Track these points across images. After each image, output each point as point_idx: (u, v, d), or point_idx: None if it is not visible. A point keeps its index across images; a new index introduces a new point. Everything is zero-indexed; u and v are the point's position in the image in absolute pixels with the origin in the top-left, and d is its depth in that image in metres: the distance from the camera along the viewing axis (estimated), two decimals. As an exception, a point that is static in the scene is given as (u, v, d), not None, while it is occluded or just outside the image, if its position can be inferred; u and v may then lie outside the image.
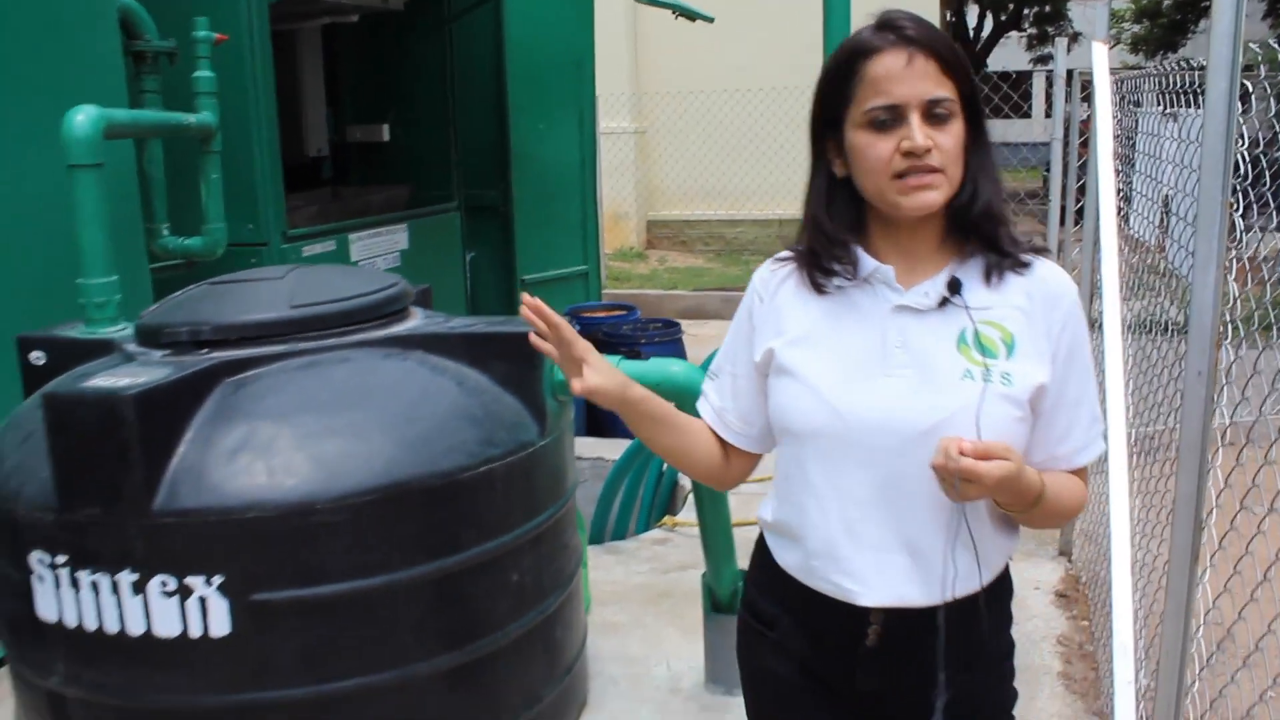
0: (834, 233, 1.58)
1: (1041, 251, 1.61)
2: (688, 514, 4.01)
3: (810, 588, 1.62)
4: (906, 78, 1.48)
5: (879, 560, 1.57)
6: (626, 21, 13.67)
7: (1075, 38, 17.77)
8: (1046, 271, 1.57)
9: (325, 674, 2.12)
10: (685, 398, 2.32)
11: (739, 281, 12.29)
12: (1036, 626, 3.89)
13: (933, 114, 1.48)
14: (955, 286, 1.54)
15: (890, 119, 1.48)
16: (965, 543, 1.55)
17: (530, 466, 2.33)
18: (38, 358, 2.69)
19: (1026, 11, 22.78)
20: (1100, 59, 3.83)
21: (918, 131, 1.46)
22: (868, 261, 1.57)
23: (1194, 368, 2.05)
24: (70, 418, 2.01)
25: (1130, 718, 2.95)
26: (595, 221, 7.75)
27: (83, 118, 2.79)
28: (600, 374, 1.58)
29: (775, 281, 1.66)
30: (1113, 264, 3.50)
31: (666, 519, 3.97)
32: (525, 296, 1.58)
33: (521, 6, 6.83)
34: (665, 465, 4.32)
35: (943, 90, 1.48)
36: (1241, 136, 2.02)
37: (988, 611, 1.60)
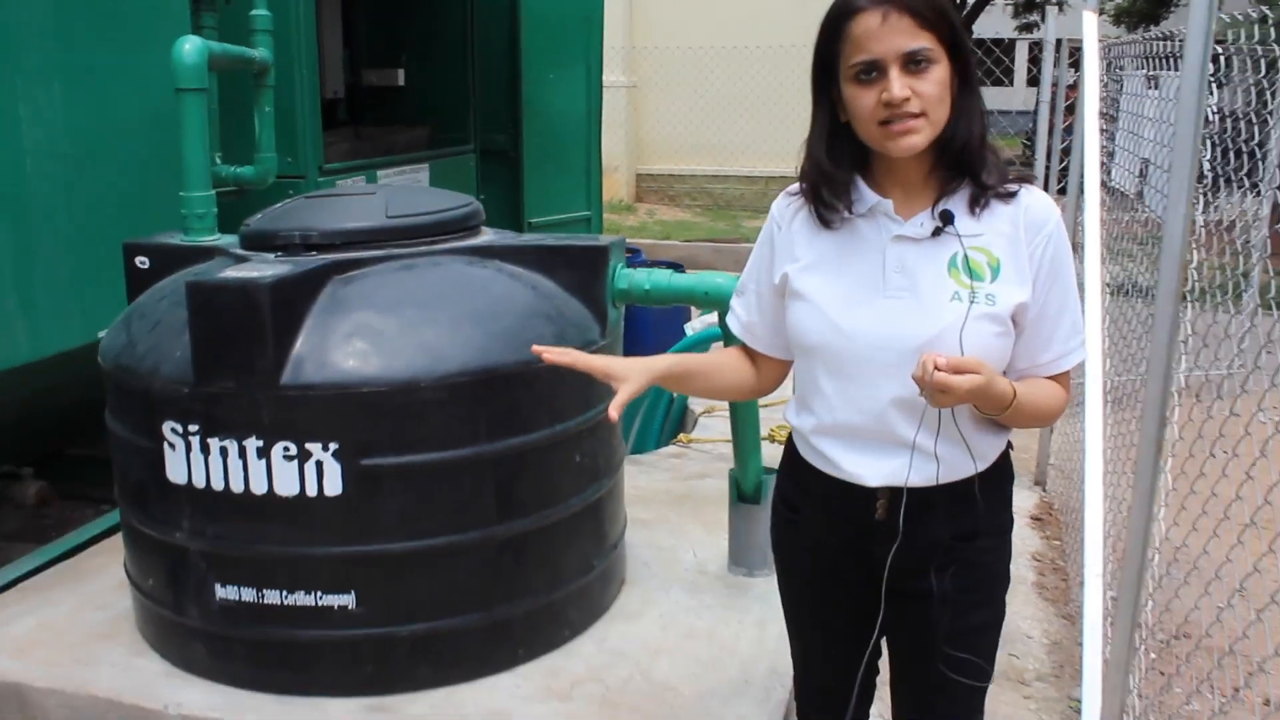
0: (833, 171, 1.75)
1: (1027, 180, 1.77)
2: (698, 435, 4.37)
3: (827, 475, 1.85)
4: (883, 35, 1.63)
5: (879, 452, 1.79)
6: (625, -24, 13.88)
7: (1062, 6, 18.01)
8: (1030, 199, 1.75)
9: (419, 531, 2.46)
10: (727, 304, 2.66)
11: (727, 234, 12.61)
12: (1013, 545, 4.27)
13: (912, 64, 1.64)
14: (947, 218, 1.72)
15: (872, 73, 1.65)
16: (953, 438, 1.77)
17: (592, 363, 2.67)
18: (142, 262, 3.00)
19: (1011, -23, 22.97)
20: (1090, 27, 4.17)
21: (895, 83, 1.63)
22: (869, 196, 1.75)
23: (1164, 295, 2.40)
24: (212, 302, 2.34)
25: (1097, 602, 3.36)
26: (599, 170, 8.03)
27: (189, 47, 3.09)
28: (628, 380, 1.84)
29: (790, 212, 1.86)
30: (1095, 228, 3.86)
31: (681, 436, 4.33)
32: (535, 348, 1.86)
33: (536, -46, 7.07)
34: (676, 393, 4.68)
35: (919, 42, 1.63)
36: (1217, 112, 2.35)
37: (982, 493, 1.81)
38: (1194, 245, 3.70)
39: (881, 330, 1.74)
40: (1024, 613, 3.93)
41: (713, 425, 4.46)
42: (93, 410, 4.41)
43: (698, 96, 14.43)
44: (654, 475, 3.90)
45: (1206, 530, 3.05)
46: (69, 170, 3.62)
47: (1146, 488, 2.55)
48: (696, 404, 4.69)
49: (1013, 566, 4.16)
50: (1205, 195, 3.26)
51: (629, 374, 1.85)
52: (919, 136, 1.66)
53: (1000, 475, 1.89)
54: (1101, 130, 3.90)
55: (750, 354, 1.99)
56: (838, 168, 1.76)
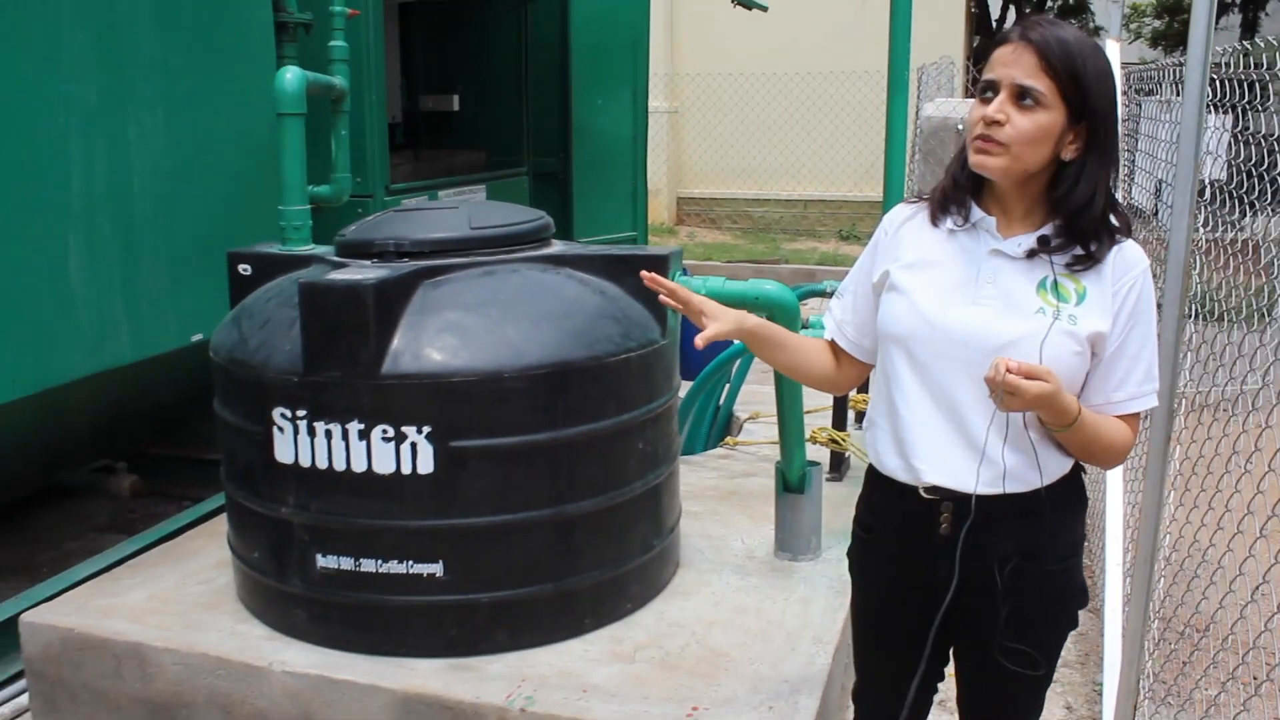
0: (962, 182, 1.93)
1: (1124, 234, 1.89)
2: (743, 439, 4.64)
3: (898, 485, 1.98)
4: (1009, 62, 1.80)
5: (945, 446, 1.91)
6: (664, 4, 14.22)
7: (1097, 31, 18.17)
8: (1126, 247, 1.88)
9: (501, 506, 2.75)
10: (776, 309, 2.94)
11: (766, 256, 12.89)
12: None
13: (1021, 97, 1.79)
14: (1045, 243, 1.85)
15: (988, 91, 1.82)
16: (1021, 447, 1.87)
17: (654, 360, 2.96)
18: (244, 269, 3.32)
19: (1050, 4, 23.18)
20: (1113, 54, 4.44)
21: (995, 104, 1.80)
22: (976, 211, 1.92)
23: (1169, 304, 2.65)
24: (322, 301, 2.64)
25: (1117, 590, 3.60)
26: (644, 191, 8.34)
27: (290, 76, 3.43)
28: (719, 320, 1.98)
29: (902, 218, 2.04)
30: None
31: (728, 440, 4.60)
32: (644, 274, 2.04)
33: (586, -11, 7.41)
34: (723, 398, 4.95)
35: (1033, 81, 1.77)
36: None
37: (1050, 507, 1.91)
38: (1219, 267, 3.96)
39: (966, 329, 1.88)
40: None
41: (756, 430, 4.74)
42: (177, 412, 4.78)
43: (737, 122, 14.77)
44: (703, 474, 4.17)
45: (1217, 530, 3.30)
46: (169, 187, 3.97)
47: (1156, 483, 2.79)
48: (741, 410, 4.97)
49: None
50: (1229, 216, 3.52)
51: (720, 315, 2.00)
52: (994, 160, 1.82)
53: (1069, 493, 1.96)
54: (1125, 152, 4.16)
55: (835, 350, 2.17)
56: (965, 181, 1.93)
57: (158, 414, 4.72)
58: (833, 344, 2.18)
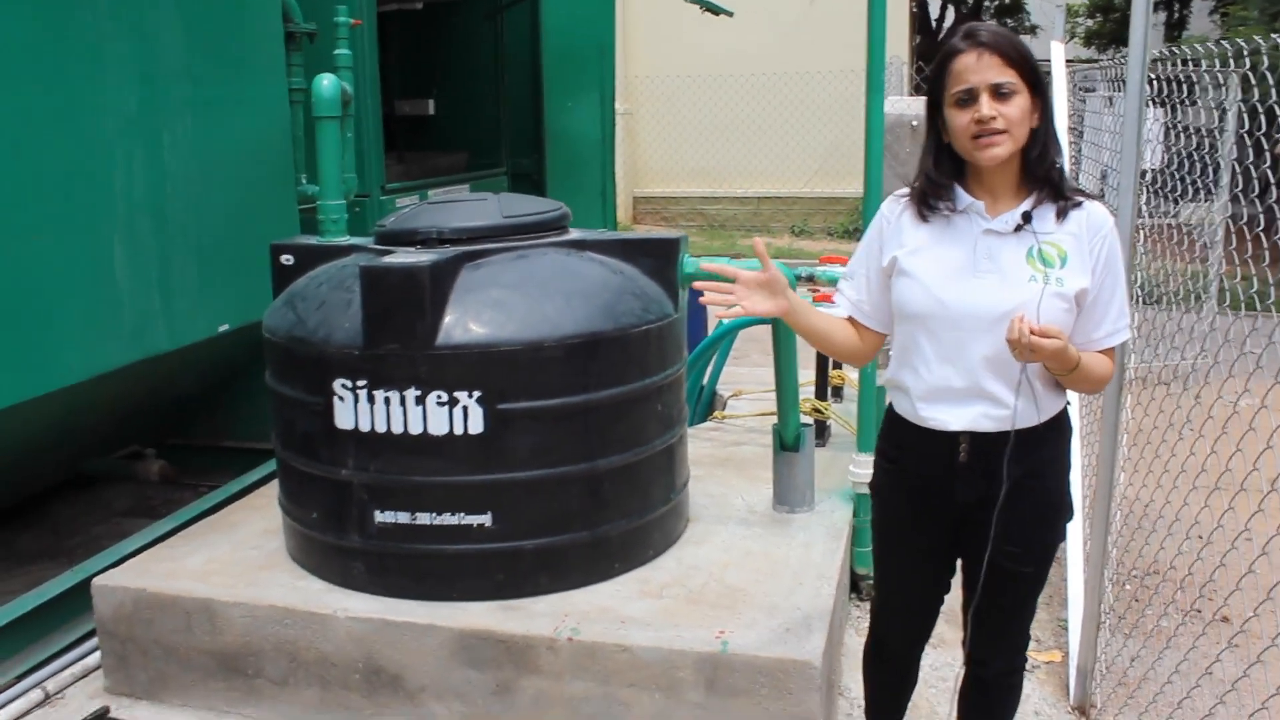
0: (938, 180, 2.27)
1: (1091, 196, 2.26)
2: (730, 413, 5.02)
3: (919, 426, 2.34)
4: (977, 69, 2.14)
5: (964, 402, 2.27)
6: (616, 8, 14.57)
7: (1034, 30, 18.75)
8: (1093, 208, 2.23)
9: (543, 462, 3.10)
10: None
11: (723, 252, 13.29)
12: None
13: (998, 94, 2.13)
14: (1027, 218, 2.20)
15: (967, 98, 2.15)
16: (1025, 392, 2.24)
17: (668, 331, 3.32)
18: (287, 259, 3.63)
19: (987, 4, 23.79)
20: (1058, 55, 4.87)
21: (985, 106, 2.13)
22: (964, 197, 2.25)
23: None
24: (382, 282, 2.98)
25: (1078, 537, 4.01)
26: (613, 190, 8.71)
27: (327, 82, 3.74)
28: (780, 297, 2.31)
29: (898, 210, 2.37)
30: None
31: (716, 414, 4.98)
32: (701, 297, 2.32)
33: (556, -5, 7.75)
34: (706, 379, 5.33)
35: (1005, 76, 2.12)
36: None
37: (1048, 438, 2.32)
38: (1162, 252, 4.39)
39: (972, 301, 2.22)
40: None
41: (740, 406, 5.12)
42: (197, 402, 5.05)
43: (689, 122, 15.17)
44: (697, 445, 4.53)
45: (1169, 489, 3.73)
46: (196, 187, 4.27)
47: (1110, 428, 3.20)
48: (724, 388, 5.35)
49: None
50: (1172, 200, 3.95)
51: (782, 290, 2.33)
52: (1001, 149, 2.15)
53: (1061, 426, 2.37)
54: (1071, 143, 4.59)
55: (855, 325, 2.49)
56: (941, 176, 2.28)
57: (181, 404, 5.00)
58: (851, 319, 2.49)
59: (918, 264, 2.31)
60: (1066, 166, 4.75)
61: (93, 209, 3.78)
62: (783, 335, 3.54)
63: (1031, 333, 2.06)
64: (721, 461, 4.32)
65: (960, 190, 2.28)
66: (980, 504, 2.32)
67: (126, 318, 3.97)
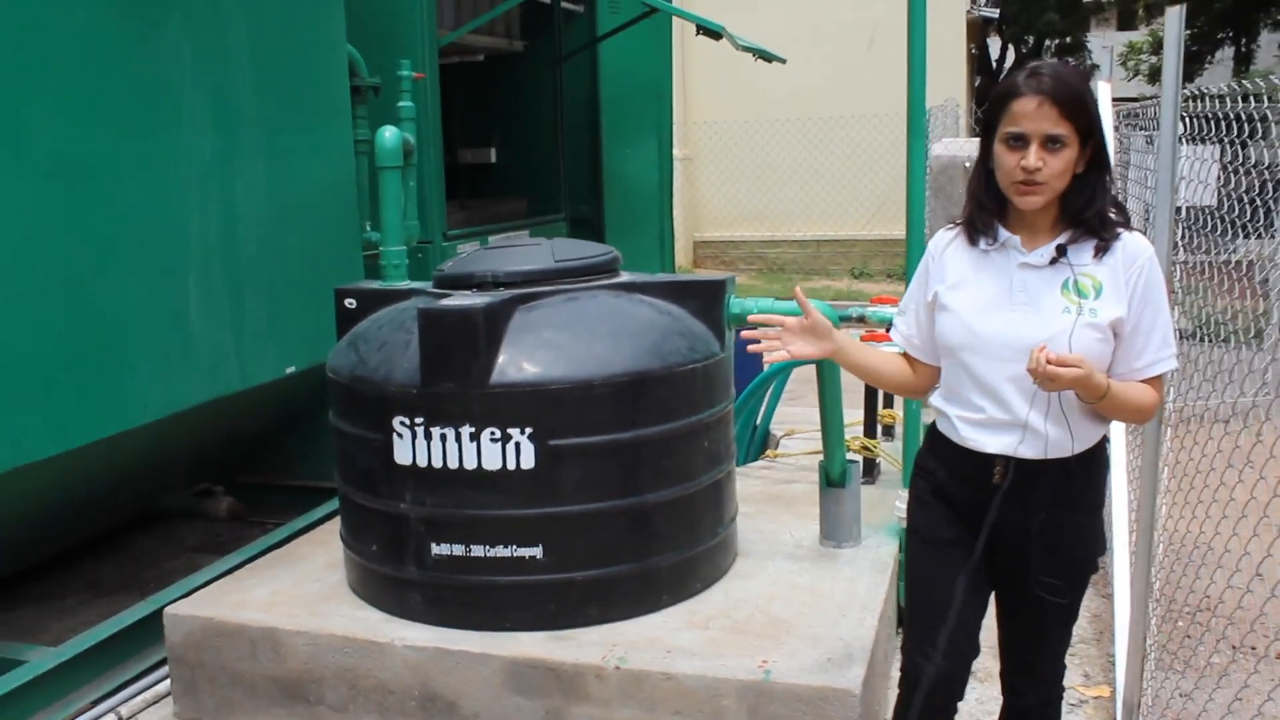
0: (985, 203, 2.35)
1: (1130, 226, 2.30)
2: (782, 451, 5.09)
3: (960, 446, 2.40)
4: (1034, 117, 2.18)
5: (1001, 429, 2.33)
6: (676, 56, 14.82)
7: (1094, 69, 18.71)
8: (1130, 239, 2.27)
9: (593, 496, 3.21)
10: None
11: (783, 294, 13.38)
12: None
13: (1048, 145, 2.18)
14: (1062, 251, 2.26)
15: (1018, 143, 2.21)
16: (1058, 420, 2.29)
17: (715, 370, 3.43)
18: (350, 303, 3.80)
19: (1048, 44, 23.75)
20: (1104, 95, 4.93)
21: (1033, 156, 2.18)
22: (1002, 232, 2.33)
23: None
24: (439, 323, 3.12)
25: (1125, 574, 4.02)
26: (671, 234, 8.88)
27: (390, 134, 3.93)
28: (826, 341, 2.43)
29: (944, 243, 2.45)
30: None
31: (769, 453, 5.06)
32: (750, 346, 2.47)
33: (613, 44, 7.95)
34: (759, 419, 5.42)
35: (1058, 129, 2.17)
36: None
37: (1079, 470, 2.34)
38: (1220, 289, 4.40)
39: (1006, 333, 2.29)
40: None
41: (792, 445, 5.20)
42: (262, 441, 5.24)
43: (748, 166, 15.33)
44: (748, 482, 4.62)
45: (1219, 522, 3.72)
46: (266, 232, 4.47)
47: (1150, 460, 3.24)
48: (777, 428, 5.43)
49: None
50: (1220, 239, 3.97)
51: (828, 334, 2.45)
52: (1038, 199, 2.24)
53: (1095, 461, 2.39)
54: (1117, 181, 4.65)
55: (909, 359, 2.58)
56: (989, 200, 2.35)
57: (249, 443, 5.20)
58: (905, 354, 2.59)
59: (956, 298, 2.39)
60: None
61: (171, 252, 3.99)
62: (827, 374, 3.63)
63: (1050, 362, 2.11)
64: (771, 499, 4.40)
65: (999, 225, 2.36)
66: (1012, 530, 2.38)
67: (201, 358, 4.17)
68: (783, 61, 6.85)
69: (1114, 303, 2.26)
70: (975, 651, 2.59)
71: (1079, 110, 2.19)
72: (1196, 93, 2.90)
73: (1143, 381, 2.31)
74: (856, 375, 2.61)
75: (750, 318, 2.66)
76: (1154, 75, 22.12)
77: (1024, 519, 2.37)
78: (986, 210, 2.36)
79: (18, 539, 4.15)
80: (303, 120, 4.67)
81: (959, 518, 2.47)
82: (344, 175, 4.95)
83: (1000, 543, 2.42)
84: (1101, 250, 2.27)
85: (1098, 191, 2.27)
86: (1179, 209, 3.10)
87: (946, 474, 2.49)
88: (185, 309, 4.06)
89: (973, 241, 2.40)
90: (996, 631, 2.62)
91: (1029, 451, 2.33)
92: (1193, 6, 20.80)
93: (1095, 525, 2.47)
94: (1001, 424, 2.34)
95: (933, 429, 2.55)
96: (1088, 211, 2.26)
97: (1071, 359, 2.14)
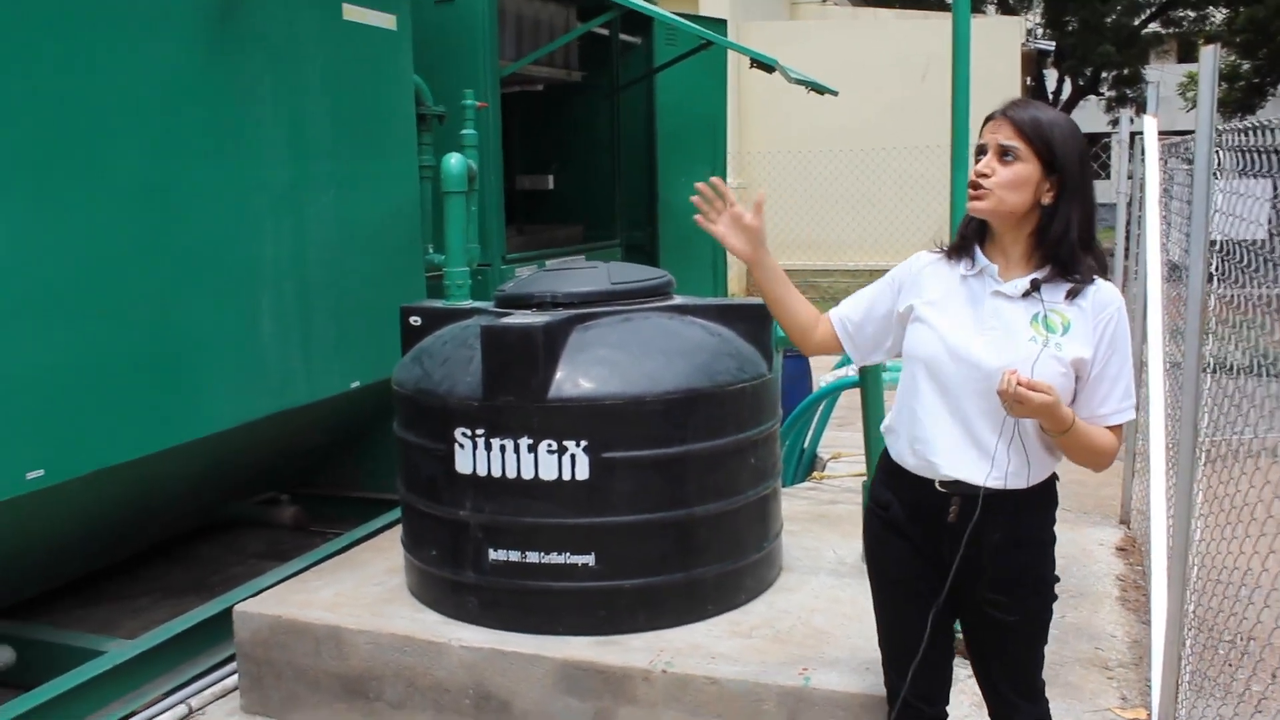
0: (968, 227, 2.42)
1: (1106, 276, 2.34)
2: (828, 474, 5.22)
3: (913, 476, 2.40)
4: (993, 131, 2.31)
5: (957, 446, 2.35)
6: (732, 87, 15.02)
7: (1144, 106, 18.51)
8: (1103, 286, 2.32)
9: (643, 507, 3.36)
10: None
11: (833, 323, 13.45)
12: (1101, 568, 5.02)
13: (1002, 155, 2.28)
14: (1035, 285, 2.30)
15: (980, 154, 2.33)
16: (1018, 449, 2.30)
17: (761, 390, 3.57)
18: (415, 320, 3.99)
19: (1105, 75, 23.63)
20: (1150, 130, 5.03)
21: (985, 160, 2.30)
22: (982, 259, 2.38)
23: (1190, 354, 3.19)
24: (500, 340, 3.30)
25: (1162, 599, 4.08)
26: (724, 262, 9.03)
27: (455, 161, 4.14)
28: (751, 247, 2.60)
29: (924, 263, 2.50)
30: (1157, 317, 4.66)
31: (815, 475, 5.18)
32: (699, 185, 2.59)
33: (669, 75, 8.14)
34: (806, 442, 5.54)
35: (1011, 141, 2.27)
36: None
37: (1033, 506, 2.37)
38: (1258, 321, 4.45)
39: (975, 355, 2.34)
40: (1109, 619, 4.66)
41: (838, 468, 5.33)
42: (325, 454, 5.45)
43: (802, 196, 15.44)
44: (794, 503, 4.75)
45: (1253, 554, 3.79)
46: (334, 255, 4.69)
47: (1185, 486, 3.33)
48: (825, 451, 5.55)
49: (1100, 586, 4.93)
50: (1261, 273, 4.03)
51: (755, 239, 2.64)
52: (983, 204, 2.30)
53: (1045, 497, 2.44)
54: (1163, 217, 4.73)
55: (825, 325, 2.62)
56: (971, 231, 2.43)
57: (313, 455, 5.41)
58: (826, 321, 2.64)
59: (933, 314, 2.43)
60: (1153, 242, 4.87)
61: (246, 274, 4.22)
62: (870, 394, 3.76)
63: (1020, 384, 2.15)
64: (816, 518, 4.53)
65: (979, 252, 2.42)
66: (965, 565, 2.39)
67: (271, 372, 4.39)
68: (834, 94, 6.99)
69: (1080, 343, 2.31)
70: (948, 668, 2.63)
71: (1036, 133, 2.28)
72: (1254, 125, 2.98)
73: (1105, 428, 2.36)
74: (765, 299, 2.70)
75: (697, 184, 2.70)
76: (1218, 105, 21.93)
77: (976, 554, 2.39)
78: (967, 239, 2.44)
79: (100, 537, 4.38)
80: (371, 149, 4.90)
81: (914, 552, 2.50)
82: (409, 200, 5.17)
83: (955, 577, 2.43)
84: (1074, 294, 2.32)
85: (1070, 225, 2.31)
86: (1225, 242, 3.19)
87: (900, 508, 2.51)
88: (258, 326, 4.28)
89: (953, 263, 2.46)
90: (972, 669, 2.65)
91: (981, 477, 2.35)
92: (1256, 38, 20.69)
93: (1045, 562, 2.48)
94: (955, 443, 2.38)
95: (884, 457, 2.58)
96: (1060, 244, 2.31)
97: (1042, 385, 2.18)
